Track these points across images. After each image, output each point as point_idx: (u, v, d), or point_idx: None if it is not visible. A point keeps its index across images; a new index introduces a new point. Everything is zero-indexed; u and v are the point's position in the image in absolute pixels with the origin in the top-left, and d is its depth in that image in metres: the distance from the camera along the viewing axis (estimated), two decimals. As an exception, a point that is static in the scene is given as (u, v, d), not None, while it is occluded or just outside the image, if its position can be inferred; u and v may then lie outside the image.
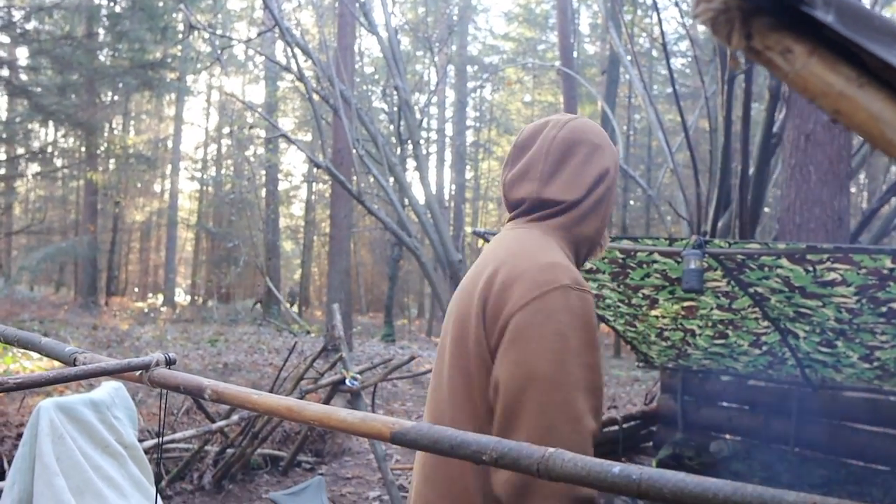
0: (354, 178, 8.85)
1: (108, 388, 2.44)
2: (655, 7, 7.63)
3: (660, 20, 7.39)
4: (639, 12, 15.68)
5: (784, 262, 2.57)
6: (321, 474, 5.36)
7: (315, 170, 19.04)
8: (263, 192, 22.79)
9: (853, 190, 15.23)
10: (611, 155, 1.40)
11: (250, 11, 24.64)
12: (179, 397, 5.65)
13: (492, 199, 28.37)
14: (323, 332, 13.47)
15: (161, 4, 12.54)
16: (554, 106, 24.93)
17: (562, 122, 1.40)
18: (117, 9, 14.16)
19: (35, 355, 6.81)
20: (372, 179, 9.65)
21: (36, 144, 16.68)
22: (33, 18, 12.43)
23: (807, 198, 4.81)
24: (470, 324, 1.23)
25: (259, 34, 10.84)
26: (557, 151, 1.35)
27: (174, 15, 13.05)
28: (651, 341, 4.21)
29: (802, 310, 3.03)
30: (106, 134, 18.73)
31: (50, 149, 17.75)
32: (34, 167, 16.98)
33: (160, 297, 25.98)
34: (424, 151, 16.31)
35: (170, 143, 25.88)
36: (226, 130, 25.92)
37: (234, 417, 4.57)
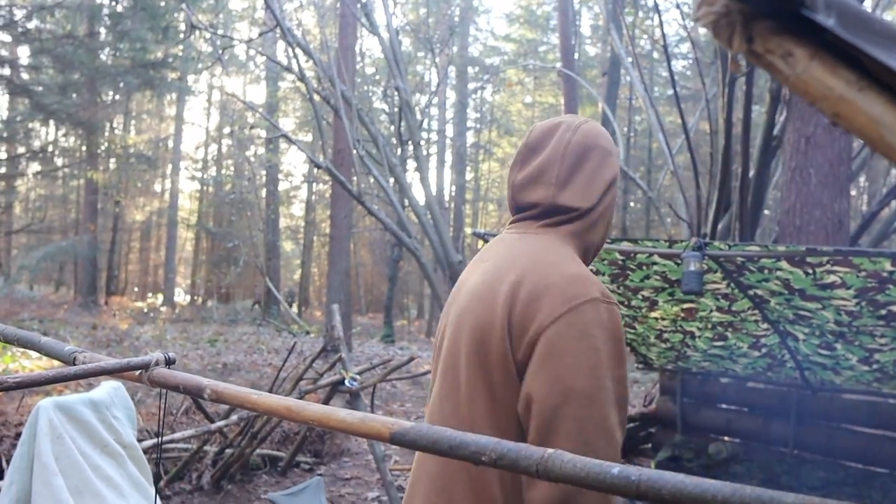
0: (355, 178, 8.85)
1: (108, 388, 2.44)
2: (657, 9, 7.64)
3: (661, 22, 7.39)
4: (640, 14, 15.69)
5: (784, 264, 2.57)
6: (320, 475, 5.36)
7: (315, 170, 19.05)
8: (264, 193, 22.79)
9: (853, 193, 15.23)
10: (617, 160, 1.40)
11: (252, 11, 24.66)
12: (178, 397, 5.65)
13: (492, 200, 28.38)
14: (322, 333, 13.47)
15: (163, 4, 12.55)
16: (554, 107, 24.93)
17: (574, 124, 1.37)
18: (119, 8, 14.17)
19: (34, 354, 6.81)
20: (372, 180, 9.65)
21: (37, 143, 16.69)
22: (35, 17, 12.44)
23: (807, 200, 4.81)
24: (493, 335, 1.21)
25: (260, 34, 10.84)
26: (573, 156, 1.33)
27: (176, 15, 13.06)
28: (650, 343, 4.21)
29: (802, 312, 3.03)
30: (107, 133, 18.75)
31: (51, 148, 17.75)
32: (35, 166, 17.00)
33: (160, 297, 25.98)
34: (425, 152, 16.30)
35: (170, 143, 25.90)
36: (226, 130, 25.93)
37: (234, 417, 4.57)
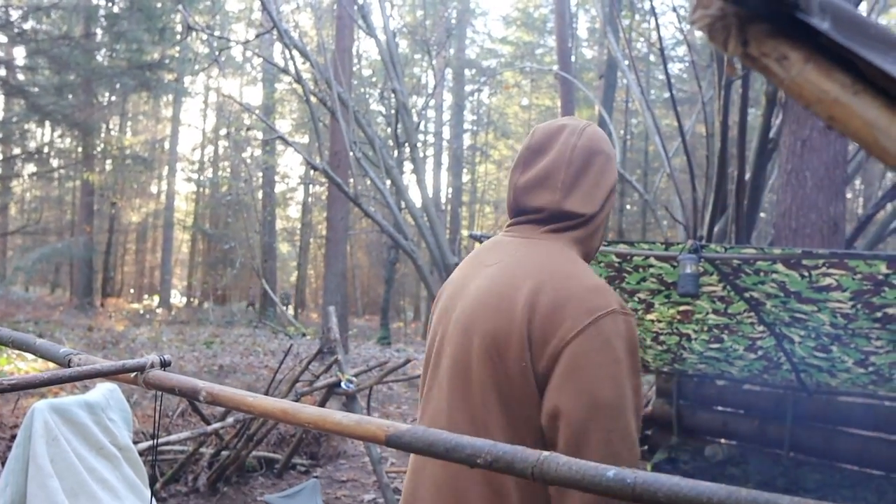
0: (351, 180, 8.86)
1: (103, 390, 2.43)
2: (653, 12, 7.66)
3: (657, 25, 7.40)
4: (637, 17, 15.72)
5: (780, 267, 2.57)
6: (316, 477, 5.35)
7: (312, 172, 19.05)
8: (260, 194, 22.78)
9: (849, 196, 15.28)
10: (616, 165, 1.40)
11: (248, 13, 24.65)
12: (174, 399, 5.64)
13: (488, 202, 28.39)
14: (319, 335, 13.46)
15: (159, 5, 12.54)
16: (551, 110, 24.95)
17: (579, 128, 1.36)
18: (115, 9, 14.17)
19: (30, 356, 6.79)
20: (369, 182, 9.65)
21: (32, 145, 16.66)
22: (31, 18, 12.43)
23: (802, 203, 4.82)
24: (510, 344, 1.19)
25: (257, 36, 10.84)
26: (579, 161, 1.32)
27: (172, 16, 13.05)
28: (646, 345, 4.21)
29: (798, 315, 3.03)
30: (103, 134, 18.70)
31: (46, 149, 17.72)
32: (30, 167, 16.95)
33: (156, 299, 25.92)
34: (421, 154, 16.30)
35: (167, 145, 25.86)
36: (223, 132, 25.91)
37: (230, 420, 4.56)
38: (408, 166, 14.00)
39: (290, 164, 30.64)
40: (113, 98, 17.05)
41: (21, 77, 13.59)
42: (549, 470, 0.67)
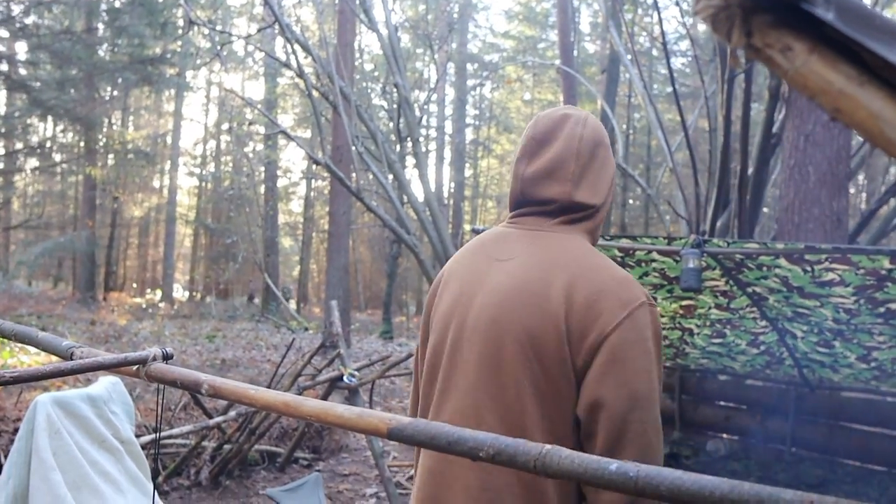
0: (353, 175, 8.84)
1: (106, 384, 2.44)
2: (656, 6, 7.63)
3: (660, 19, 7.38)
4: (639, 11, 15.68)
5: (782, 262, 2.57)
6: (318, 471, 5.36)
7: (314, 166, 19.03)
8: (262, 189, 22.77)
9: (852, 191, 15.24)
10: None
11: (250, 7, 24.57)
12: (177, 393, 5.65)
13: (491, 196, 28.37)
14: (321, 329, 13.48)
15: (161, 0, 12.52)
16: (553, 104, 24.87)
17: (582, 118, 1.36)
18: (117, 4, 14.13)
19: (32, 350, 6.81)
20: (371, 176, 9.64)
21: (34, 139, 16.68)
22: (32, 13, 12.42)
23: (805, 198, 4.81)
24: (548, 340, 1.19)
25: (259, 30, 10.83)
26: (587, 152, 1.32)
27: (174, 10, 13.03)
28: (649, 340, 4.20)
29: (800, 310, 3.03)
30: (105, 129, 18.70)
31: (49, 144, 17.72)
32: (33, 162, 16.95)
33: (158, 293, 25.95)
34: (424, 149, 16.29)
35: (169, 139, 25.85)
36: (225, 126, 25.87)
37: (232, 413, 4.58)
38: (410, 161, 14.01)
39: (293, 159, 30.64)
40: (115, 93, 17.04)
41: (23, 72, 13.59)
42: (552, 463, 0.67)
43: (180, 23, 13.38)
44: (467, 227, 22.62)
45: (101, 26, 13.97)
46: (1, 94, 16.40)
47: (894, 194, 6.07)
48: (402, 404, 8.56)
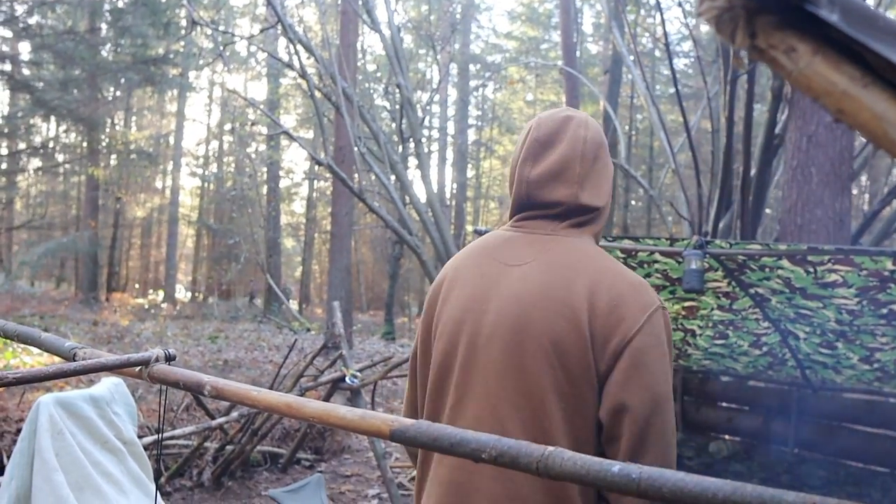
0: (356, 175, 8.84)
1: (108, 384, 2.44)
2: (658, 7, 7.63)
3: (663, 20, 7.38)
4: (642, 12, 15.68)
5: (785, 263, 2.57)
6: (320, 472, 5.36)
7: (316, 167, 19.03)
8: (265, 189, 22.77)
9: (854, 192, 15.23)
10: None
11: (253, 8, 24.61)
12: (179, 394, 5.65)
13: (493, 197, 28.36)
14: (323, 330, 13.47)
15: (164, 0, 12.54)
16: (556, 105, 24.83)
17: (583, 120, 1.35)
18: (120, 4, 14.16)
19: (35, 350, 6.81)
20: (373, 177, 9.65)
21: (37, 139, 16.72)
22: (36, 13, 12.45)
23: (808, 199, 4.80)
24: (573, 346, 1.19)
25: (262, 31, 10.84)
26: (591, 154, 1.32)
27: (177, 11, 13.05)
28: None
29: (803, 311, 3.02)
30: (107, 129, 18.74)
31: (51, 144, 17.77)
32: (35, 162, 16.99)
33: (161, 294, 25.97)
34: (426, 150, 16.31)
35: (171, 140, 25.87)
36: (227, 127, 25.88)
37: (234, 414, 4.57)
38: (412, 161, 13.99)
39: (295, 160, 30.62)
40: (118, 93, 17.06)
41: (26, 72, 13.62)
42: (555, 465, 0.66)
43: (183, 23, 13.39)
44: (469, 228, 22.60)
45: (104, 26, 13.99)
46: (4, 94, 16.48)
47: (897, 195, 6.06)
48: (404, 405, 8.55)
